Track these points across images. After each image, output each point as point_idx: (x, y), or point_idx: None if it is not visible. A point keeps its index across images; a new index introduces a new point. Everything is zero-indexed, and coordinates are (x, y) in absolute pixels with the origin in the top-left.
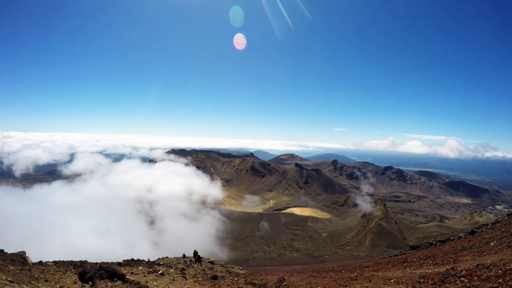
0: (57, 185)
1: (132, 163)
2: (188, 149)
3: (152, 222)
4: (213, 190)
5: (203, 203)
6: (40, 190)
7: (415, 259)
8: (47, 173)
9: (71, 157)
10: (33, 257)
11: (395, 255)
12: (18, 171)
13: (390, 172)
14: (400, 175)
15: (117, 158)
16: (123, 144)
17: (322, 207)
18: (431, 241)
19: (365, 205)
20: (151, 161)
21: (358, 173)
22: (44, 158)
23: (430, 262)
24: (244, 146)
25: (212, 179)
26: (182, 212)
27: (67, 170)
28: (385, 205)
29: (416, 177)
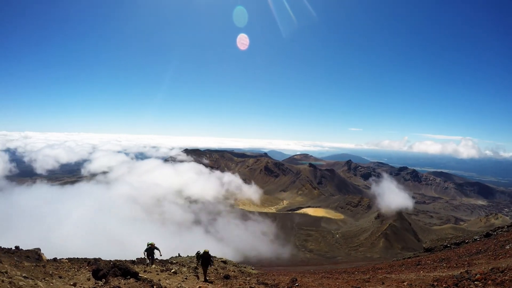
0: (83, 183)
1: (155, 162)
2: (202, 149)
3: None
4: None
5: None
6: (67, 189)
7: (429, 261)
8: (71, 171)
9: (94, 156)
10: (70, 255)
11: (409, 257)
12: (41, 169)
13: (404, 173)
14: (415, 175)
15: (139, 157)
16: (142, 144)
17: (336, 208)
18: (445, 244)
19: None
20: (169, 160)
21: (373, 173)
22: (67, 157)
23: (444, 265)
24: (260, 146)
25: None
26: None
27: (92, 169)
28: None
29: (431, 178)
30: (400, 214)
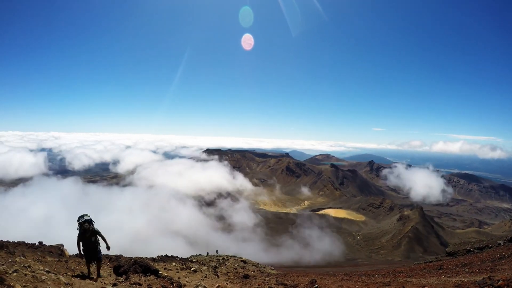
0: (120, 181)
1: (187, 162)
2: (223, 149)
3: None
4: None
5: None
6: (105, 186)
7: (451, 266)
8: (106, 170)
9: (128, 155)
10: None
11: (431, 261)
12: (78, 167)
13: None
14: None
15: (169, 157)
16: (170, 144)
17: (357, 209)
18: (468, 248)
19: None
20: (199, 160)
21: (394, 174)
22: (101, 156)
23: (467, 270)
24: (283, 146)
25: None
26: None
27: (127, 167)
28: (422, 208)
29: (455, 179)
30: (422, 217)
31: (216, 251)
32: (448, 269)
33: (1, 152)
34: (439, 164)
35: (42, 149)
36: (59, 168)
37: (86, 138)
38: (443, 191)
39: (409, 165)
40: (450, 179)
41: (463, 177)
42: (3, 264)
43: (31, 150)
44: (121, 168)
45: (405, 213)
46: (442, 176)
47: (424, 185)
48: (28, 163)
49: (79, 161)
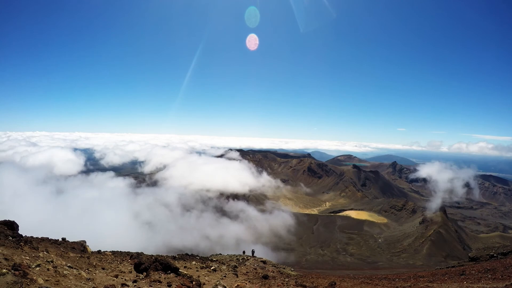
0: (155, 179)
1: (219, 161)
2: (245, 149)
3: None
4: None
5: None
6: (140, 184)
7: (473, 271)
8: (135, 168)
9: (161, 154)
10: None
11: (453, 266)
12: (114, 166)
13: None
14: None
15: (200, 155)
16: (200, 143)
17: (379, 211)
18: (491, 253)
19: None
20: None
21: (417, 175)
22: (134, 156)
23: (489, 276)
24: (307, 146)
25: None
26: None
27: (160, 166)
28: (445, 211)
29: (479, 182)
30: (445, 220)
31: (253, 251)
32: (471, 275)
33: (39, 151)
34: (464, 166)
35: (76, 149)
36: (98, 166)
37: (114, 138)
38: (467, 193)
39: (432, 167)
40: (474, 181)
41: (488, 179)
42: (27, 259)
43: (66, 149)
44: (154, 166)
45: (428, 216)
46: (466, 178)
47: (447, 187)
48: (68, 161)
49: (117, 159)
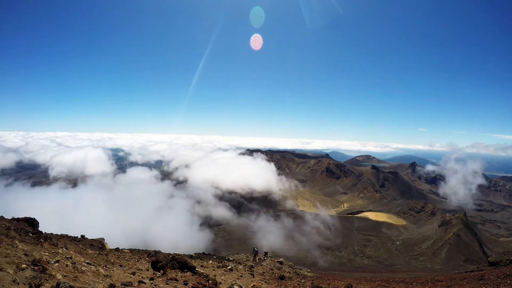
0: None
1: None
2: (263, 149)
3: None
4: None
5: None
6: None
7: (492, 277)
8: (165, 169)
9: (193, 154)
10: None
11: (472, 271)
12: (147, 165)
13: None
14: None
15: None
16: (222, 143)
17: (398, 213)
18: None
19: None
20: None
21: (438, 177)
22: (162, 155)
23: (509, 282)
24: (328, 146)
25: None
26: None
27: (186, 165)
28: (465, 214)
29: (500, 183)
30: (465, 223)
31: (265, 253)
32: (490, 280)
33: (71, 150)
34: (485, 167)
35: (105, 148)
36: (128, 166)
37: (138, 139)
38: (488, 195)
39: (452, 167)
40: (496, 183)
41: (510, 180)
42: (46, 255)
43: (97, 149)
44: (183, 166)
45: (447, 218)
46: (487, 180)
47: (467, 189)
48: (101, 160)
49: (145, 158)
